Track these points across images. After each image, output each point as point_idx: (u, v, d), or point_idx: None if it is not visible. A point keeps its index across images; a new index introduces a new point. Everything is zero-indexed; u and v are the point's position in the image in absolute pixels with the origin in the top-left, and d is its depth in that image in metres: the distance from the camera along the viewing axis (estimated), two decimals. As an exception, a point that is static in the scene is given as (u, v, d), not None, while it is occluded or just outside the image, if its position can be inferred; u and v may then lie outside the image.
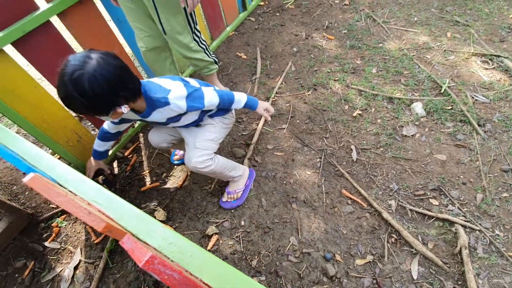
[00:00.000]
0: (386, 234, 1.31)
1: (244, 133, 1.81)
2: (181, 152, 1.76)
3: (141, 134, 1.95)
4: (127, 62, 1.74)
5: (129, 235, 0.46)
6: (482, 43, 1.96)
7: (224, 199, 1.52)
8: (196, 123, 1.25)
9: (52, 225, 1.62)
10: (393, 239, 1.30)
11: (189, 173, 1.68)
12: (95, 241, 1.52)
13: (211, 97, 1.12)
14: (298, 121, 1.81)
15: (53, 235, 1.57)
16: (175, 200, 1.59)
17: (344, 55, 2.12)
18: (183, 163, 1.73)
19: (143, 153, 1.85)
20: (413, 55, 1.99)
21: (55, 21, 1.38)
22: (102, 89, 0.85)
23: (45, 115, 1.46)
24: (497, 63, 1.83)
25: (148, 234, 0.52)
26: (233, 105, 1.23)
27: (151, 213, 1.55)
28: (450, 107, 1.67)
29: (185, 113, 1.13)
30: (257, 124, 1.82)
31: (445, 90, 1.74)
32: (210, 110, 1.23)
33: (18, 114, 1.35)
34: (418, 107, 1.69)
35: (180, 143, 1.52)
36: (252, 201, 1.51)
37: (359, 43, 2.17)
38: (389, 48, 2.08)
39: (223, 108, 1.25)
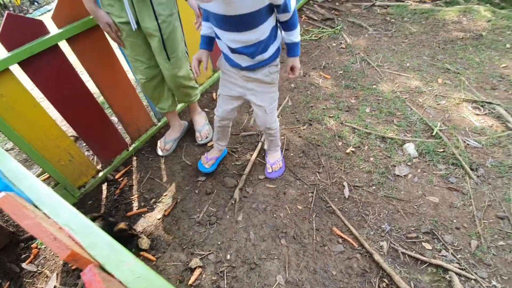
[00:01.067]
0: (377, 278, 1.25)
1: (238, 163, 1.80)
2: (211, 156, 1.74)
3: (134, 158, 1.95)
4: (130, 88, 1.81)
5: (91, 266, 0.44)
6: (473, 90, 2.03)
7: (269, 171, 1.68)
8: (265, 47, 1.16)
9: (32, 246, 1.55)
10: (384, 284, 1.23)
11: (178, 200, 1.65)
12: (73, 267, 1.44)
13: (294, 3, 1.10)
14: (292, 154, 1.82)
15: (31, 256, 1.50)
16: (161, 228, 1.54)
17: (339, 94, 2.19)
18: (213, 171, 1.76)
19: (134, 177, 1.83)
20: (406, 98, 2.06)
21: (63, 45, 1.45)
22: None
23: (40, 133, 1.48)
24: (489, 110, 1.88)
25: (116, 265, 0.49)
26: (296, 29, 1.17)
27: (135, 240, 1.49)
28: (442, 150, 1.69)
29: (268, 16, 1.07)
30: (251, 155, 1.82)
31: (436, 133, 1.76)
32: (276, 34, 1.19)
33: (14, 131, 1.36)
34: (410, 148, 1.71)
35: (224, 134, 1.65)
36: (240, 234, 1.46)
37: (354, 84, 2.25)
38: (383, 90, 2.15)
39: (285, 29, 1.17)
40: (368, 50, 2.61)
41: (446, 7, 2.98)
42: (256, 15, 1.03)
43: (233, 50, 1.17)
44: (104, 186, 1.79)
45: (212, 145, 1.94)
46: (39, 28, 1.36)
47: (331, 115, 2.02)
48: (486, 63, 2.25)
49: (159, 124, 2.11)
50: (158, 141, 1.95)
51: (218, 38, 1.19)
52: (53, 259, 1.49)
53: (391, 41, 2.68)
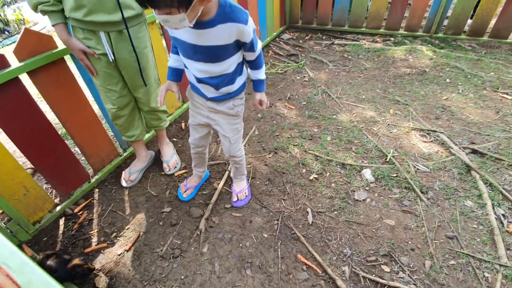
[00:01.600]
0: (340, 304, 1.26)
1: (204, 192, 1.80)
2: (189, 185, 1.75)
3: (96, 190, 1.88)
4: (94, 119, 1.79)
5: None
6: (420, 120, 2.25)
7: (235, 199, 1.70)
8: (230, 80, 1.21)
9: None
10: (347, 310, 1.25)
11: (141, 233, 1.59)
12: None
13: (260, 45, 1.19)
14: (258, 182, 1.86)
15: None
16: (121, 264, 1.47)
17: (303, 123, 2.32)
18: (192, 198, 1.77)
19: (94, 210, 1.76)
20: (362, 127, 2.22)
21: (25, 77, 1.44)
22: None
23: (-9, 166, 1.40)
24: (434, 137, 2.08)
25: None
26: (261, 69, 1.28)
27: (92, 279, 1.40)
28: (395, 175, 1.82)
29: (235, 52, 1.12)
30: (218, 184, 1.84)
31: (390, 159, 1.91)
32: (242, 69, 1.25)
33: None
34: (367, 173, 1.82)
35: (202, 161, 1.67)
36: (204, 266, 1.43)
37: (316, 114, 2.40)
38: (342, 120, 2.32)
39: (251, 67, 1.27)
40: (328, 83, 2.82)
41: (395, 47, 3.35)
42: (224, 48, 1.07)
43: (199, 80, 1.20)
44: (62, 221, 1.70)
45: (179, 175, 1.94)
46: (0, 61, 1.35)
47: (295, 144, 2.12)
48: (430, 95, 2.52)
49: (125, 154, 2.08)
50: (123, 172, 1.91)
51: (186, 67, 1.23)
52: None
53: (349, 76, 2.93)
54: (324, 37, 3.83)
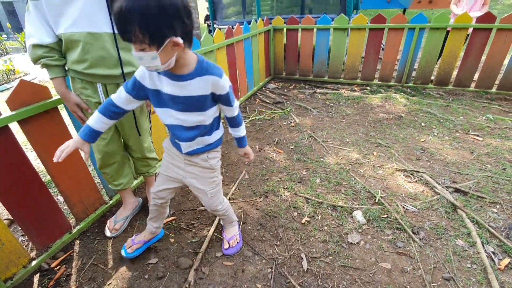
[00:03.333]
0: None
1: (194, 240, 1.72)
2: (138, 240, 1.62)
3: (77, 241, 1.76)
4: (82, 167, 1.76)
5: None
6: (402, 161, 2.35)
7: (226, 246, 1.64)
8: (207, 132, 1.25)
9: None
10: None
11: (124, 289, 1.47)
12: None
13: (237, 103, 1.27)
14: (249, 227, 1.81)
15: None
16: (99, 326, 1.32)
17: (292, 167, 2.36)
18: (136, 256, 1.63)
19: (74, 264, 1.62)
20: (349, 169, 2.29)
21: (12, 125, 1.44)
22: (168, 3, 0.85)
23: (-35, 218, 1.31)
24: (418, 177, 2.16)
25: None
26: (241, 127, 1.38)
27: None
28: (386, 215, 1.83)
29: (213, 104, 1.18)
30: (208, 230, 1.78)
31: (379, 199, 1.94)
32: (219, 123, 1.31)
33: None
34: (358, 215, 1.83)
35: (171, 194, 1.49)
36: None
37: (304, 157, 2.47)
38: (329, 162, 2.39)
39: (231, 126, 1.37)
40: (314, 128, 2.96)
41: (371, 95, 3.64)
42: (203, 98, 1.12)
43: (176, 131, 1.20)
44: (36, 278, 1.54)
45: (167, 222, 1.87)
46: (-9, 109, 1.36)
47: (285, 187, 2.13)
48: (408, 138, 2.68)
49: (111, 202, 2.00)
50: (108, 221, 1.82)
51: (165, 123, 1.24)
52: None
53: (332, 121, 3.10)
54: (306, 87, 4.12)
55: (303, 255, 1.61)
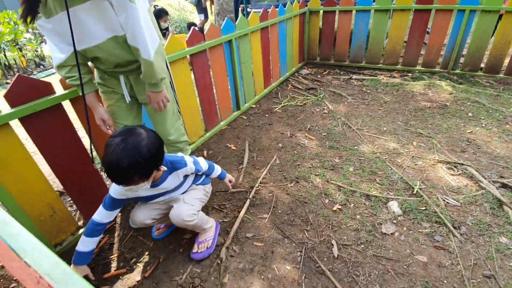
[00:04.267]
0: None
1: (225, 220, 1.78)
2: (163, 225, 1.69)
3: (119, 214, 1.89)
4: (92, 170, 1.84)
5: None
6: (445, 152, 2.20)
7: (194, 250, 1.56)
8: (184, 191, 1.48)
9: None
10: None
11: (161, 260, 1.56)
12: None
13: (204, 163, 1.50)
14: (280, 211, 1.82)
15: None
16: (139, 291, 1.43)
17: (324, 154, 2.32)
18: (165, 237, 1.70)
19: (116, 234, 1.76)
20: (385, 158, 2.19)
21: (66, 104, 1.55)
22: (155, 150, 1.13)
23: (26, 186, 1.46)
24: (462, 170, 2.02)
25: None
26: (214, 171, 1.59)
27: (109, 306, 1.36)
28: (424, 208, 1.74)
29: (185, 179, 1.43)
30: (239, 212, 1.82)
31: (417, 191, 1.85)
32: (198, 178, 1.54)
33: (-1, 183, 1.35)
34: (394, 206, 1.76)
35: (163, 217, 1.55)
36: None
37: (337, 145, 2.41)
38: (364, 151, 2.30)
39: (207, 175, 1.58)
40: (348, 116, 2.86)
41: (413, 81, 3.41)
42: (179, 185, 1.39)
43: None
44: (83, 244, 1.69)
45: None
46: (47, 89, 1.47)
47: (317, 173, 2.10)
48: (453, 129, 2.49)
49: (148, 180, 2.11)
50: (131, 213, 1.82)
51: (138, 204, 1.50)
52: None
53: (368, 108, 2.97)
54: (341, 72, 3.96)
55: (333, 242, 1.60)
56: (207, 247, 1.58)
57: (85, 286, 0.56)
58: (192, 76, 2.42)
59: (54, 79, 1.51)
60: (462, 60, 3.51)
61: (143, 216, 1.45)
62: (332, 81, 3.70)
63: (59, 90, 1.53)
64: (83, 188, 1.72)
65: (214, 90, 2.65)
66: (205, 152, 2.45)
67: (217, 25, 4.31)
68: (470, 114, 2.67)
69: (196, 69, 2.36)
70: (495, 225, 1.62)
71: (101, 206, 1.32)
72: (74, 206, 1.85)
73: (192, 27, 2.30)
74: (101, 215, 1.32)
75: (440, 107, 2.84)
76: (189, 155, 1.97)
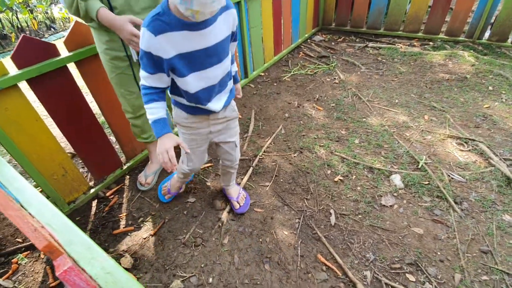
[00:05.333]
0: (360, 309, 1.23)
1: (228, 186, 1.83)
2: (173, 191, 1.73)
3: (127, 176, 1.98)
4: (100, 134, 1.87)
5: (64, 255, 0.47)
6: (457, 127, 2.12)
7: (237, 207, 1.62)
8: (229, 76, 1.14)
9: (12, 261, 1.53)
10: (366, 315, 1.21)
11: (166, 220, 1.66)
12: (51, 284, 1.41)
13: None
14: (281, 180, 1.85)
15: (10, 272, 1.48)
16: (145, 247, 1.54)
17: (331, 125, 2.28)
18: (171, 200, 1.77)
19: (125, 195, 1.85)
20: (393, 132, 2.14)
21: (73, 68, 1.56)
22: None
23: (38, 147, 1.53)
24: (472, 146, 1.95)
25: (89, 261, 0.52)
26: (234, 62, 1.24)
27: (118, 258, 1.48)
28: (427, 182, 1.73)
29: (229, 45, 1.05)
30: (242, 179, 1.86)
31: (422, 166, 1.82)
32: (230, 76, 1.18)
33: (13, 143, 1.42)
34: (396, 179, 1.75)
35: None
36: (224, 257, 1.45)
37: (344, 116, 2.36)
38: (372, 123, 2.25)
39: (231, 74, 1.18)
40: (359, 86, 2.76)
41: (433, 51, 3.20)
42: (227, 40, 1.01)
43: (208, 92, 1.07)
44: (94, 203, 1.81)
45: (205, 168, 1.99)
46: (51, 51, 1.47)
47: (321, 144, 2.09)
48: (470, 103, 2.37)
49: (155, 145, 2.17)
50: (138, 176, 1.90)
51: (183, 95, 1.07)
52: (32, 276, 1.47)
53: (382, 79, 2.84)
54: (357, 40, 3.75)
55: (332, 211, 1.63)
56: (245, 197, 1.67)
57: (80, 234, 0.61)
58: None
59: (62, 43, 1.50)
60: (490, 28, 3.23)
61: (198, 160, 1.37)
62: (347, 49, 3.53)
63: (64, 53, 1.53)
64: (93, 151, 1.79)
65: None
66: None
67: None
68: (490, 88, 2.52)
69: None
70: (500, 202, 1.60)
71: (144, 72, 0.97)
72: (85, 168, 1.94)
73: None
74: (149, 80, 0.99)
75: (459, 79, 2.68)
76: None
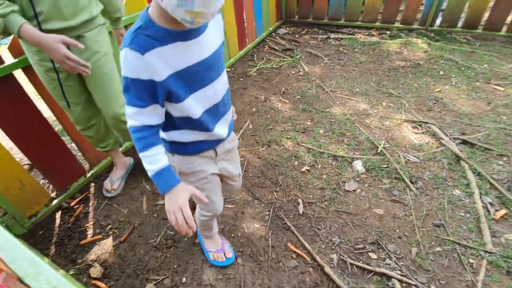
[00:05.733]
0: (328, 290, 1.30)
1: (197, 185, 1.83)
2: (111, 186, 1.68)
3: (92, 184, 1.92)
4: (58, 142, 1.78)
5: (3, 274, 0.46)
6: (412, 112, 2.27)
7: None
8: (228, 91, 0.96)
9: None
10: (334, 296, 1.28)
11: (136, 225, 1.63)
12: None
13: None
14: (251, 174, 1.89)
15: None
16: (115, 255, 1.51)
17: (297, 117, 2.34)
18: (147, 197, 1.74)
19: (90, 204, 1.80)
20: (355, 119, 2.24)
21: (20, 75, 1.47)
22: None
23: (-13, 161, 1.44)
24: (425, 129, 2.10)
25: (34, 277, 0.52)
26: None
27: (87, 269, 1.44)
28: (386, 166, 1.84)
29: (222, 52, 0.88)
30: (211, 177, 1.87)
31: (381, 150, 1.93)
32: None
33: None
34: (358, 165, 1.85)
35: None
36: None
37: (309, 107, 2.43)
38: (335, 113, 2.34)
39: None
40: (323, 77, 2.84)
41: (390, 40, 3.36)
42: (221, 50, 0.86)
43: (213, 114, 0.91)
44: (58, 215, 1.74)
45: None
46: (-7, 57, 1.38)
47: (288, 137, 2.14)
48: (423, 88, 2.54)
49: (121, 149, 2.11)
50: (104, 183, 1.84)
51: (184, 124, 0.88)
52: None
53: (343, 69, 2.95)
54: (320, 31, 3.84)
55: (300, 201, 1.69)
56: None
57: (22, 249, 0.60)
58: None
59: (4, 48, 1.39)
60: (441, 15, 3.44)
61: (220, 200, 1.18)
62: (310, 41, 3.60)
63: (8, 59, 1.43)
64: (51, 161, 1.71)
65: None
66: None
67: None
68: (441, 73, 2.70)
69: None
70: (450, 179, 1.74)
71: (132, 108, 0.76)
72: (46, 179, 1.85)
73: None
74: (140, 117, 0.78)
75: (414, 66, 2.85)
76: None
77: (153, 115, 0.79)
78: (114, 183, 1.82)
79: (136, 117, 0.77)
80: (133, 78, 0.72)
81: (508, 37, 3.17)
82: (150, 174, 0.80)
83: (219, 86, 0.88)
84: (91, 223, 1.68)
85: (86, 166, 1.99)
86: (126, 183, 1.89)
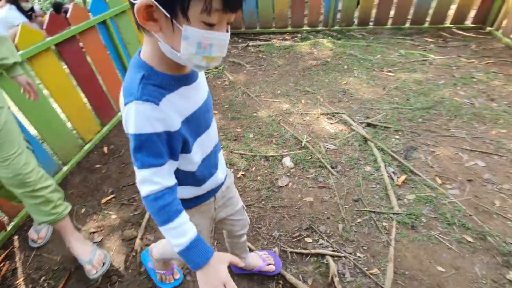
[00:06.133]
0: (274, 283, 1.42)
1: (136, 213, 1.80)
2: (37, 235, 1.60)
3: (15, 237, 1.73)
4: None
5: None
6: (326, 105, 2.57)
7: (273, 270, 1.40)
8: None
9: None
10: (280, 286, 1.41)
11: (72, 271, 1.54)
12: None
13: None
14: (190, 190, 1.92)
15: None
16: (54, 306, 1.41)
17: (227, 126, 2.45)
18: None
19: (17, 259, 1.63)
20: (280, 120, 2.45)
21: None
22: None
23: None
24: (338, 118, 2.40)
25: None
26: None
27: (21, 331, 1.32)
28: (310, 157, 2.06)
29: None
30: (150, 201, 1.85)
31: (304, 144, 2.16)
32: None
33: None
34: (287, 161, 2.04)
35: None
36: (144, 284, 1.45)
37: (238, 115, 2.56)
38: (262, 116, 2.52)
39: None
40: (247, 84, 3.01)
41: (301, 42, 3.71)
42: (210, 104, 0.82)
43: (213, 157, 0.86)
44: (-24, 281, 1.53)
45: (107, 202, 1.89)
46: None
47: (221, 146, 2.23)
48: (333, 82, 2.89)
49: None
50: (28, 233, 1.69)
51: (192, 176, 0.80)
52: None
53: (265, 74, 3.17)
54: (239, 40, 4.03)
55: (239, 205, 1.80)
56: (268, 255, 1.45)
57: None
58: (67, 69, 2.18)
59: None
60: (339, 16, 3.93)
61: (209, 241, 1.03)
62: (231, 50, 3.76)
63: None
64: None
65: (101, 80, 2.44)
66: (105, 148, 2.33)
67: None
68: (345, 67, 3.10)
69: (69, 60, 2.10)
70: (362, 158, 2.04)
71: (149, 170, 0.66)
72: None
73: (63, 7, 2.01)
74: (158, 178, 0.67)
75: (323, 64, 3.21)
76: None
77: (170, 173, 0.70)
78: (40, 231, 1.68)
79: (155, 179, 0.66)
80: (149, 133, 0.63)
81: (393, 29, 3.79)
82: (179, 249, 0.67)
83: (214, 126, 0.84)
84: (21, 279, 1.53)
85: (5, 219, 1.78)
86: (55, 230, 1.75)
